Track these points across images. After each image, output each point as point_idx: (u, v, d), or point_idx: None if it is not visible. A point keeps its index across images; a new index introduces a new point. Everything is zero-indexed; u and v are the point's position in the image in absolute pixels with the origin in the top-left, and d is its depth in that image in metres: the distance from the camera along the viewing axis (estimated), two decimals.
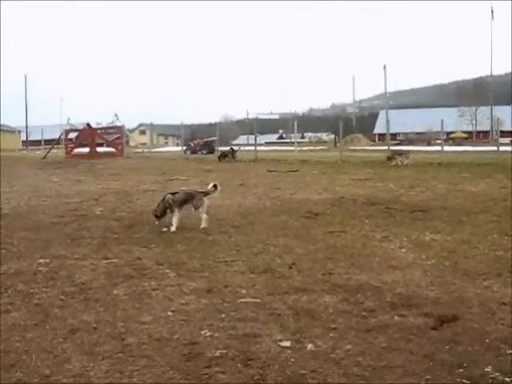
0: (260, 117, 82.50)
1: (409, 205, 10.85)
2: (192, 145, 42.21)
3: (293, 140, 60.49)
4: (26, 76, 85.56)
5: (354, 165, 23.43)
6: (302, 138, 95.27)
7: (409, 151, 25.21)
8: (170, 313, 4.65)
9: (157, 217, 8.46)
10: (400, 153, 24.51)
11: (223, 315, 4.58)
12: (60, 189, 14.72)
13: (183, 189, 9.71)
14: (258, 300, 4.99)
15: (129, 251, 6.90)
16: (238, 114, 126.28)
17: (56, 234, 7.99)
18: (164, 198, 8.51)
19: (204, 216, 8.44)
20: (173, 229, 8.23)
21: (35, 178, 18.83)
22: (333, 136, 74.63)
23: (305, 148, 43.28)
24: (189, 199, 8.47)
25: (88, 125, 39.63)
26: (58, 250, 6.92)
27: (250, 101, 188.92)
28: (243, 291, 5.26)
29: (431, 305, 4.84)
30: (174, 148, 61.47)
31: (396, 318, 4.55)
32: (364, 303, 4.93)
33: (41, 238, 7.73)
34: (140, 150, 41.63)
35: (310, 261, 6.48)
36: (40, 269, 6.02)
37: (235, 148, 31.55)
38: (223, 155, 28.89)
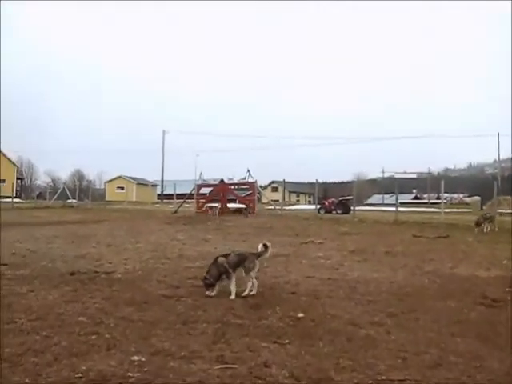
0: (397, 176, 79.02)
1: None
2: (326, 203, 40.47)
3: (431, 201, 56.91)
4: (164, 131, 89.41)
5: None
6: (438, 198, 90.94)
7: (494, 215, 22.76)
8: None
9: (210, 284, 7.41)
10: (487, 217, 21.56)
11: None
12: (184, 248, 13.45)
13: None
14: None
15: (253, 349, 5.02)
16: (372, 173, 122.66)
17: (165, 314, 6.31)
18: (216, 262, 7.58)
19: (255, 281, 7.64)
20: (232, 297, 7.32)
21: (161, 234, 17.96)
22: (474, 197, 69.88)
23: (446, 210, 39.75)
24: (241, 261, 7.61)
25: (222, 180, 39.42)
26: (162, 341, 5.19)
27: (384, 159, 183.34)
28: None
29: None
30: (305, 206, 60.12)
31: None
32: None
33: (145, 318, 6.07)
34: (272, 207, 40.47)
35: None
36: (129, 374, 4.24)
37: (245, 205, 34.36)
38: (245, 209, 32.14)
